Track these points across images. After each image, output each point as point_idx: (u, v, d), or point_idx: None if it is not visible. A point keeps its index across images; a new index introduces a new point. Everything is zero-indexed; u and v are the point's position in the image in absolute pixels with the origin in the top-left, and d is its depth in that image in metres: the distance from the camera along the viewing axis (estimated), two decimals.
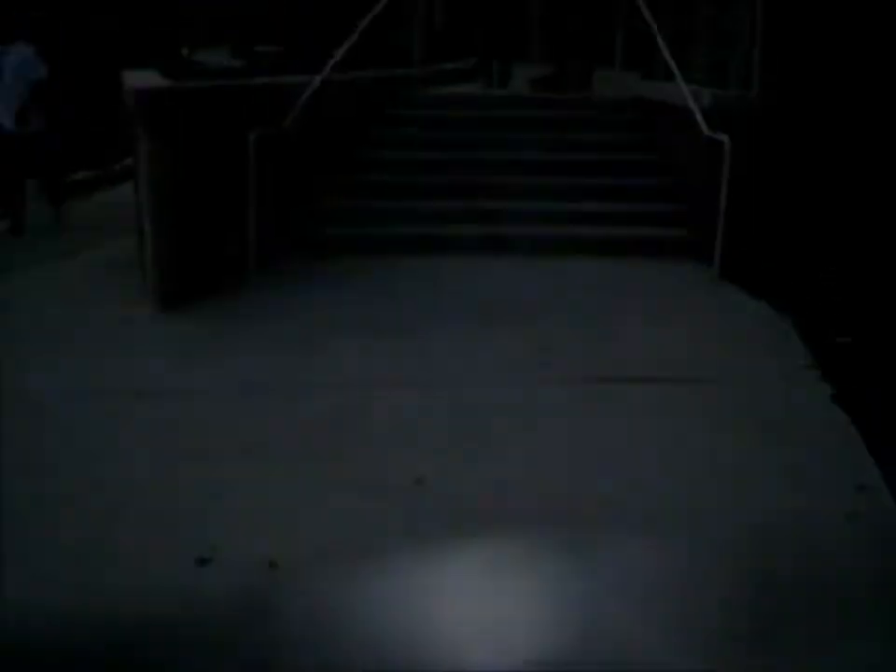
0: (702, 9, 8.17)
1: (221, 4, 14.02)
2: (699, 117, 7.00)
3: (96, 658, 2.58)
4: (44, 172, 8.60)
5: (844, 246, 6.91)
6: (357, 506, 3.44)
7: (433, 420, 4.31)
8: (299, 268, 6.76)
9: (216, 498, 3.48)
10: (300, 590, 2.93)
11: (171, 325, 5.68)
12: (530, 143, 8.15)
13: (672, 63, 7.71)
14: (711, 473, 3.82)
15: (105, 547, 3.14)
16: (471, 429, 4.18)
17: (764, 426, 4.31)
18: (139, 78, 6.58)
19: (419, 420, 4.32)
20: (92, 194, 9.47)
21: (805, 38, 7.25)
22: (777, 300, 6.32)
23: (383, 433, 4.16)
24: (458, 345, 5.29)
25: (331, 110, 7.43)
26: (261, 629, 2.70)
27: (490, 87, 9.93)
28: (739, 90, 7.36)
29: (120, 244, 7.07)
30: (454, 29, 21.10)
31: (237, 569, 3.00)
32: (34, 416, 4.15)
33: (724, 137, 6.65)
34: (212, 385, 4.71)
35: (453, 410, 4.42)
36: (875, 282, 6.63)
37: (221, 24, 15.04)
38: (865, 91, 7.35)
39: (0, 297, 6.03)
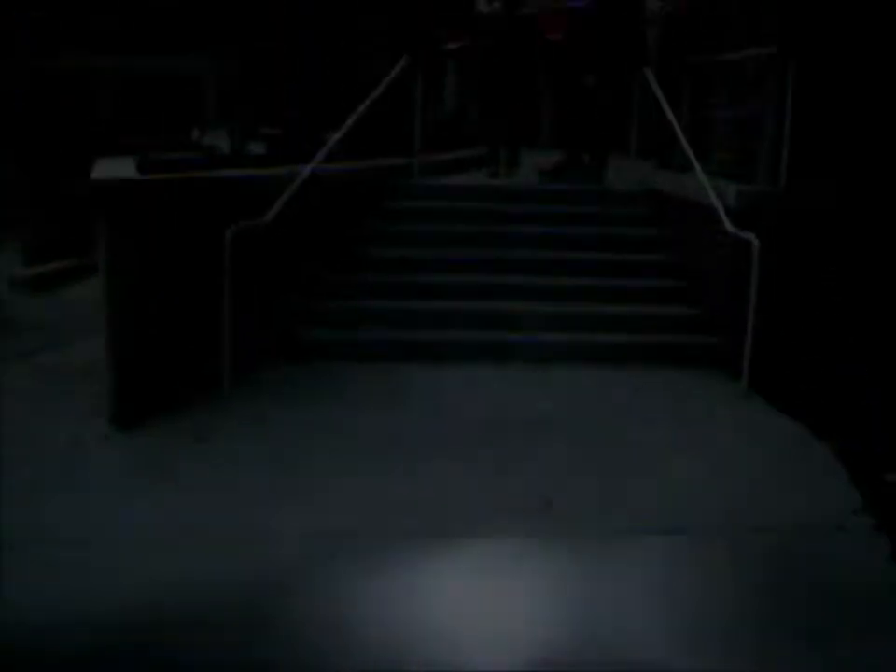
0: (723, 97, 7.61)
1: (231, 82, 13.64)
2: (723, 213, 6.37)
3: None
4: None
5: (890, 360, 6.20)
6: None
7: (404, 591, 3.55)
8: (280, 377, 6.10)
9: None
10: None
11: (125, 449, 5.02)
12: (537, 239, 7.52)
13: (691, 155, 7.13)
14: None
15: None
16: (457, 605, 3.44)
17: (817, 596, 3.56)
18: (110, 168, 6.03)
19: (392, 585, 3.57)
20: (61, 288, 8.85)
21: (839, 129, 6.65)
22: (815, 420, 5.61)
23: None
24: (451, 480, 4.56)
25: (322, 202, 6.84)
26: None
27: (496, 176, 9.35)
28: (766, 184, 6.74)
29: (82, 346, 6.42)
30: (463, 114, 20.86)
31: None
32: None
33: (752, 237, 6.01)
34: (149, 531, 3.99)
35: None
36: None
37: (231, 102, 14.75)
38: None
39: None
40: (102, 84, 11.32)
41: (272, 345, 6.36)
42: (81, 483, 4.51)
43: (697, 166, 6.93)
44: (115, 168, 6.06)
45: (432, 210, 7.74)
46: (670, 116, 7.70)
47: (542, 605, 3.43)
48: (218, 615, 3.29)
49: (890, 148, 6.58)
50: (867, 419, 5.63)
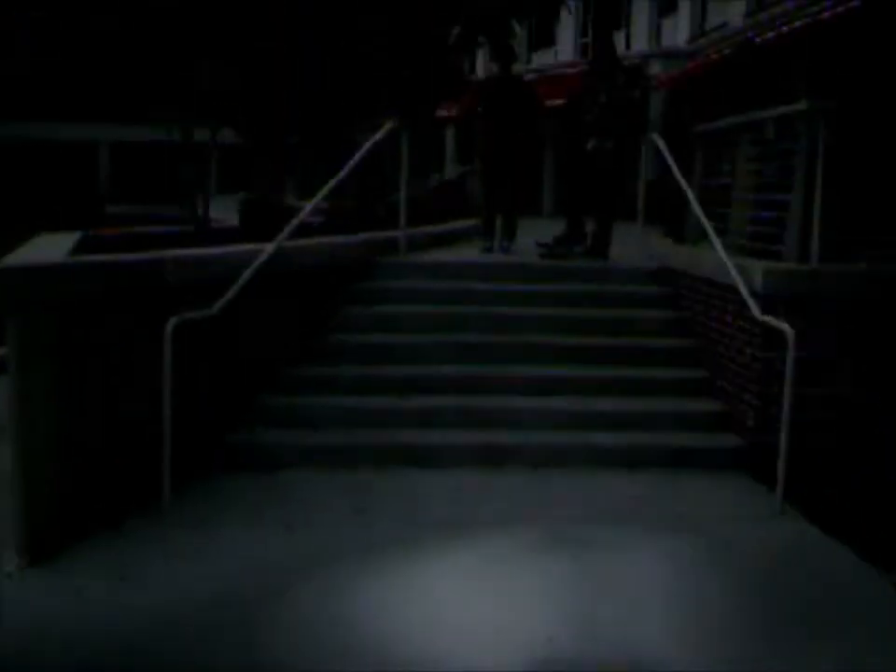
0: (743, 161, 6.82)
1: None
2: (748, 296, 5.52)
3: None
4: None
5: None
6: None
7: None
8: (230, 491, 5.20)
9: None
10: None
11: (32, 591, 4.07)
12: (536, 323, 6.67)
13: (709, 229, 6.30)
14: None
15: None
16: None
17: None
18: (39, 248, 5.21)
19: None
20: None
21: (881, 197, 5.83)
22: (868, 544, 4.67)
23: None
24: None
25: (290, 284, 6.01)
26: None
27: (490, 250, 8.54)
28: (794, 262, 5.91)
29: None
30: (462, 182, 20.23)
31: None
32: None
33: (785, 326, 5.13)
34: None
35: None
36: None
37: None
38: None
39: None
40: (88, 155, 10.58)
41: (223, 451, 5.47)
42: None
43: (717, 242, 6.10)
44: (45, 248, 5.25)
45: (417, 290, 6.91)
46: (683, 184, 6.91)
47: None
48: None
49: None
50: None
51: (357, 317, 6.60)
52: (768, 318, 5.34)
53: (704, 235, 6.81)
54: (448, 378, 6.15)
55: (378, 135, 7.01)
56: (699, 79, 18.34)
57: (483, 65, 24.33)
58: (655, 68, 21.45)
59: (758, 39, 16.03)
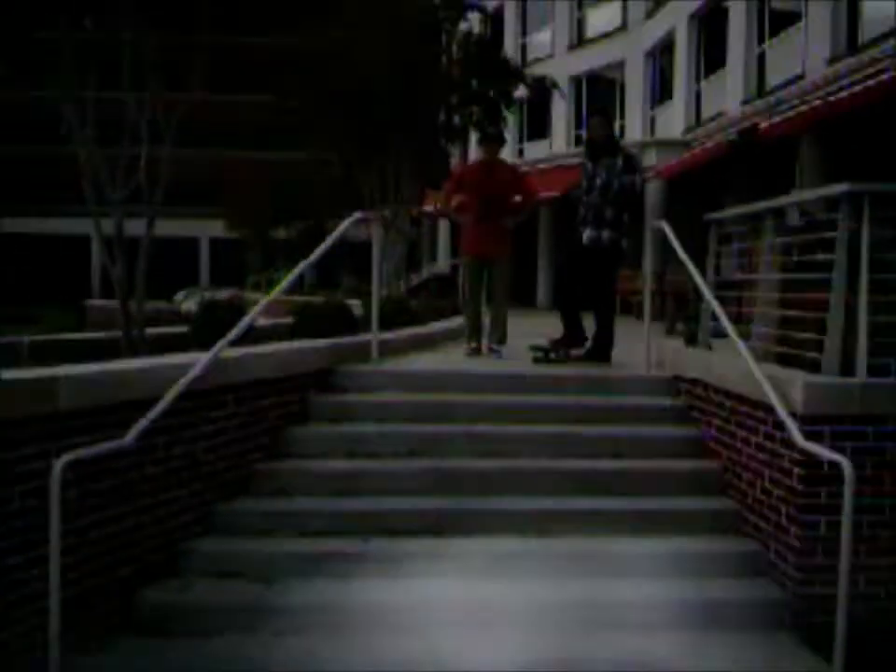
0: (767, 253, 5.88)
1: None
2: (786, 417, 4.50)
3: None
4: None
5: None
6: None
7: None
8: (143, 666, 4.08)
9: None
10: None
11: None
12: (529, 445, 5.63)
13: (732, 333, 5.33)
14: None
15: None
16: None
17: None
18: None
19: None
20: None
21: None
22: None
23: None
24: None
25: (230, 401, 5.01)
26: None
27: (477, 352, 7.57)
28: (836, 374, 4.92)
29: None
30: (454, 278, 19.42)
31: None
32: None
33: (842, 459, 4.09)
34: None
35: None
36: None
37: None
38: None
39: None
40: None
41: (139, 613, 4.38)
42: None
43: (743, 348, 5.12)
44: None
45: (389, 406, 5.88)
46: (698, 278, 5.97)
47: None
48: None
49: None
50: None
51: (316, 438, 5.57)
52: (814, 447, 4.31)
53: (718, 335, 5.88)
54: (421, 514, 5.07)
55: (344, 225, 6.11)
56: (705, 166, 17.74)
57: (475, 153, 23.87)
58: (651, 157, 20.90)
59: (772, 121, 15.40)
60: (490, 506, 5.17)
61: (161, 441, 4.50)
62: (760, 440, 5.04)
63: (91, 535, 4.11)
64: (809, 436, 4.43)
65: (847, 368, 4.89)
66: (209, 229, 51.74)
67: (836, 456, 4.15)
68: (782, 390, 4.69)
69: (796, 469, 4.61)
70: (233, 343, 5.03)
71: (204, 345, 5.14)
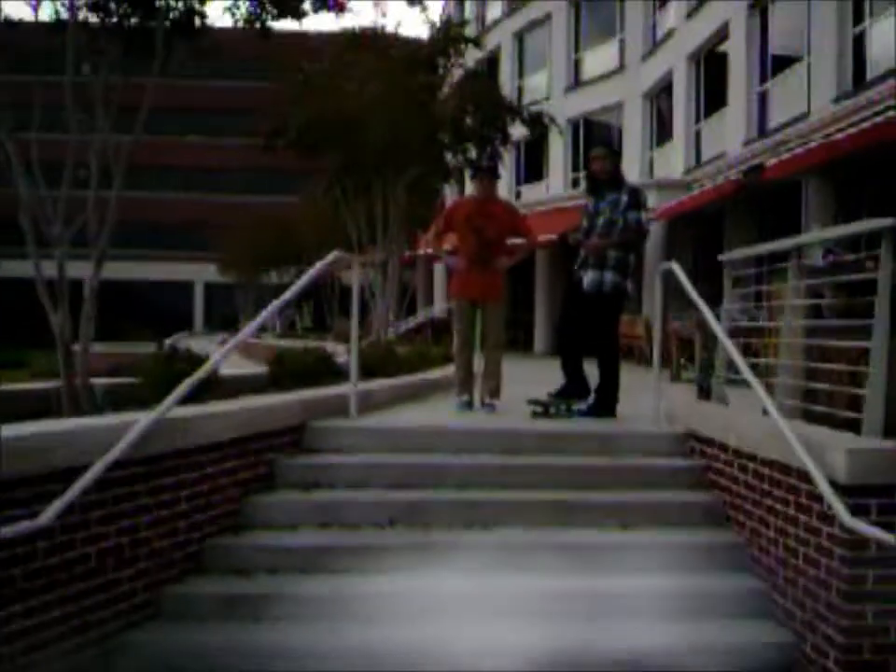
0: (792, 296, 5.27)
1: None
2: (826, 489, 3.85)
3: None
4: None
5: None
6: None
7: None
8: None
9: None
10: None
11: None
12: (524, 514, 4.95)
13: (756, 384, 4.68)
14: None
15: None
16: None
17: None
18: None
19: None
20: None
21: None
22: None
23: None
24: None
25: (180, 468, 4.34)
26: None
27: (469, 405, 6.91)
28: (879, 434, 4.28)
29: None
30: (447, 321, 18.85)
31: None
32: None
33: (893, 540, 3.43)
34: None
35: None
36: None
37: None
38: None
39: None
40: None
41: None
42: None
43: (770, 405, 4.47)
44: None
45: (368, 468, 5.21)
46: (714, 325, 5.34)
47: None
48: None
49: None
50: None
51: (283, 507, 4.89)
52: (862, 526, 3.65)
53: (731, 384, 5.26)
54: (401, 596, 4.37)
55: (321, 265, 5.50)
56: (706, 207, 17.27)
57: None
58: (651, 199, 20.39)
59: (770, 162, 14.91)
60: (476, 587, 4.48)
61: (95, 517, 3.84)
62: (791, 511, 4.38)
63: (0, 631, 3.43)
64: (854, 510, 3.77)
65: (892, 428, 4.26)
66: (203, 273, 51.45)
67: (887, 537, 3.49)
68: (819, 455, 4.03)
69: (839, 550, 3.94)
70: (187, 400, 4.40)
71: (159, 401, 4.50)
